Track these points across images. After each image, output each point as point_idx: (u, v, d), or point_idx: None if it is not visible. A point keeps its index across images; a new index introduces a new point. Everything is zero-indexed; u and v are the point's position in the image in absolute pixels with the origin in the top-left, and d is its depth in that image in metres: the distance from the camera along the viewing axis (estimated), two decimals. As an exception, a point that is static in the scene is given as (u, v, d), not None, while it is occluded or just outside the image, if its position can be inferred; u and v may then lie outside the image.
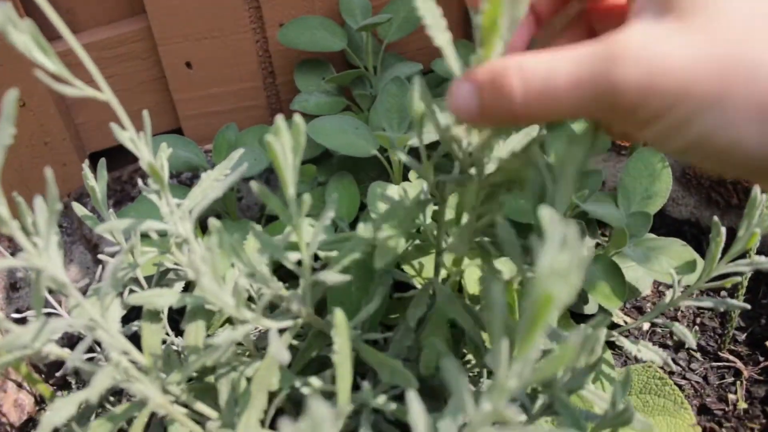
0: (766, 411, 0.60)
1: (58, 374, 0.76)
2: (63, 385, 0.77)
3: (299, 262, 0.41)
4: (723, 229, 0.48)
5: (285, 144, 0.35)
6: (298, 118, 0.35)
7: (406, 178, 0.61)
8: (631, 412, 0.40)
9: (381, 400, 0.41)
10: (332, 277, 0.39)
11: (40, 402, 0.74)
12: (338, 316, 0.39)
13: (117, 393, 0.65)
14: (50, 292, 0.71)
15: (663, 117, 0.29)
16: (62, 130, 0.79)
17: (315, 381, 0.42)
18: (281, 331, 0.43)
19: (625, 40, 0.29)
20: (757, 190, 0.47)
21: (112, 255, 0.53)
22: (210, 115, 0.82)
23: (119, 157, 0.84)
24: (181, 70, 0.78)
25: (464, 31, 0.83)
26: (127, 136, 0.42)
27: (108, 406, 0.61)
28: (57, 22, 0.36)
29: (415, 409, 0.32)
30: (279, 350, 0.36)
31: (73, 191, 0.83)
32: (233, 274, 0.47)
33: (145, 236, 0.60)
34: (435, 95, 0.64)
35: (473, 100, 0.32)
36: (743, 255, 0.51)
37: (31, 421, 0.72)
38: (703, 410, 0.62)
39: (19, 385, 0.73)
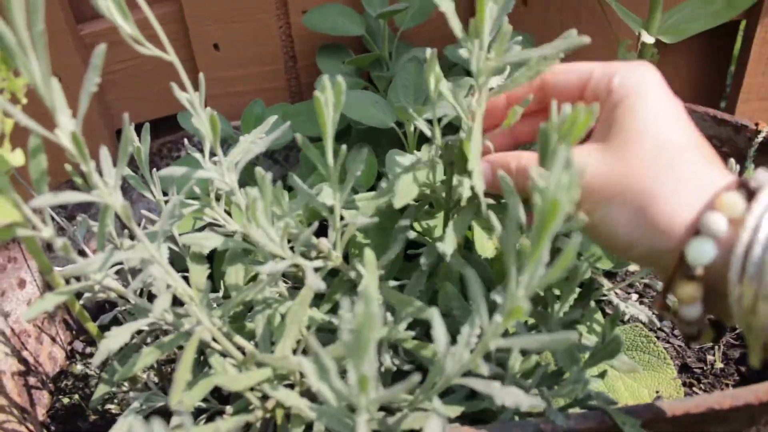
0: (740, 370, 0.67)
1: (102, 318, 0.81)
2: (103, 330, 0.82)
3: (331, 210, 0.47)
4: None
5: (328, 99, 0.41)
6: (340, 79, 0.41)
7: (419, 150, 0.67)
8: (619, 343, 0.46)
9: (401, 330, 0.47)
10: (361, 219, 0.45)
11: (71, 356, 0.79)
12: (368, 254, 0.45)
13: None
14: (81, 254, 0.77)
15: (580, 203, 0.40)
16: (93, 104, 0.85)
17: (344, 312, 0.48)
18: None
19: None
20: (732, 161, 0.53)
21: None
22: (234, 95, 0.88)
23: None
24: (210, 52, 0.84)
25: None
26: (185, 96, 0.48)
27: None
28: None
29: (437, 323, 0.38)
30: (315, 281, 0.42)
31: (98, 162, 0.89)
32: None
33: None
34: (447, 77, 0.70)
35: (489, 173, 0.47)
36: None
37: (63, 374, 0.78)
38: (683, 369, 0.68)
39: (53, 339, 0.78)
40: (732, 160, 0.53)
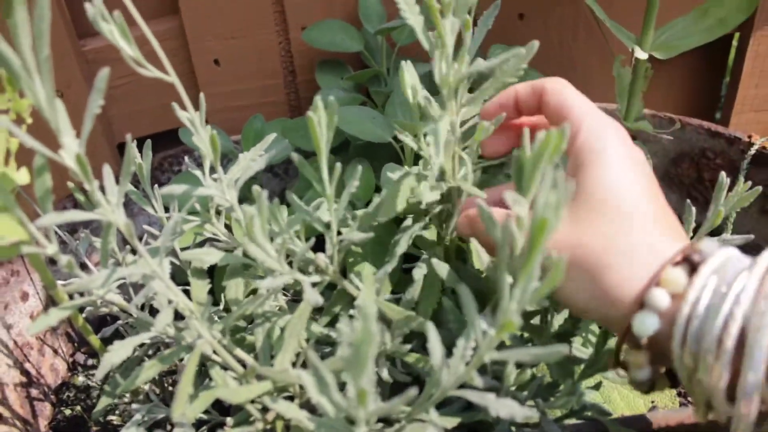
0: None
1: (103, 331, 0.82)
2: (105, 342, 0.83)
3: (327, 226, 0.48)
4: (693, 210, 0.56)
5: (321, 119, 0.42)
6: (332, 99, 0.42)
7: (416, 164, 0.68)
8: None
9: (397, 343, 0.48)
10: (357, 235, 0.46)
11: (73, 368, 0.80)
12: (366, 269, 0.46)
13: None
14: (83, 267, 0.78)
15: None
16: (95, 119, 0.86)
17: (343, 327, 0.49)
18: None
19: None
20: (723, 174, 0.54)
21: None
22: (234, 110, 0.89)
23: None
24: (210, 67, 0.86)
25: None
26: (186, 116, 0.49)
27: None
28: (134, 13, 0.43)
29: (433, 337, 0.39)
30: (313, 296, 0.43)
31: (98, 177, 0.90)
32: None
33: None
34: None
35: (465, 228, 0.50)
36: (715, 235, 0.59)
37: (65, 385, 0.78)
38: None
39: (55, 351, 0.79)
40: (723, 174, 0.54)
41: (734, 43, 0.98)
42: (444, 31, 0.42)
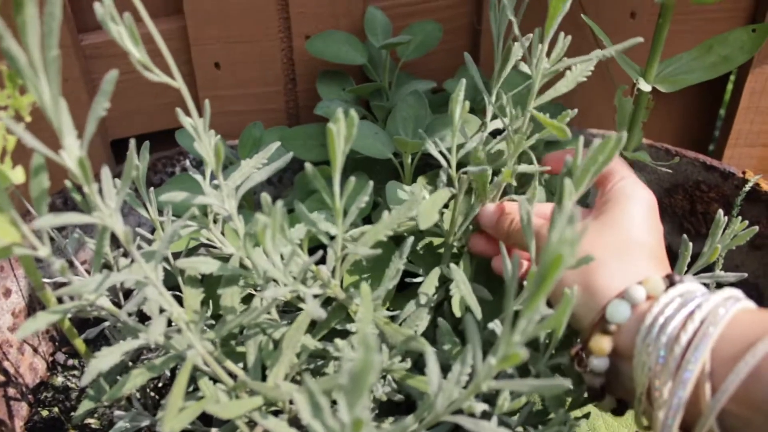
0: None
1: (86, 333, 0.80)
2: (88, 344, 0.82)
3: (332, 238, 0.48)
4: (690, 244, 0.56)
5: (340, 131, 0.41)
6: (353, 113, 0.41)
7: (414, 181, 0.68)
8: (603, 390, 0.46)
9: (396, 362, 0.48)
10: (363, 250, 0.45)
11: (52, 368, 0.79)
12: (364, 288, 0.46)
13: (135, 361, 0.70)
14: (70, 265, 0.76)
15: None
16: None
17: (340, 342, 0.49)
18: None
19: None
20: (720, 213, 0.54)
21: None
22: (232, 114, 0.88)
23: (140, 146, 0.90)
24: (210, 70, 0.85)
25: (472, 56, 0.91)
26: (189, 121, 0.48)
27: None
28: (143, 12, 0.42)
29: (431, 362, 0.39)
30: (315, 308, 0.42)
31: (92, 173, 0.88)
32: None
33: (176, 216, 0.67)
34: (444, 111, 0.71)
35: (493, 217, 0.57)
36: (708, 271, 0.59)
37: (43, 385, 0.77)
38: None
39: (35, 350, 0.78)
40: (720, 212, 0.54)
41: (732, 77, 1.00)
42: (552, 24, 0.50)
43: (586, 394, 0.49)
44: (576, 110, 0.55)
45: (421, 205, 0.49)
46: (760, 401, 0.36)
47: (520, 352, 0.31)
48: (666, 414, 0.40)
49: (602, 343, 0.44)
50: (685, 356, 0.39)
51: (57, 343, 0.81)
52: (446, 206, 0.59)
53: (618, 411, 0.47)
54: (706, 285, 0.59)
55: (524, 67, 0.56)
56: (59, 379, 0.77)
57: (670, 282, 0.44)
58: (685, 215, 0.83)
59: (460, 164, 0.56)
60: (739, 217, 0.55)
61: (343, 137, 0.41)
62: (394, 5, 0.84)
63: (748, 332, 0.38)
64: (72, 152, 0.39)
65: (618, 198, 0.51)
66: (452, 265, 0.52)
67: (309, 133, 0.76)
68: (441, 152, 0.54)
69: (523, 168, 0.57)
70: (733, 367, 0.37)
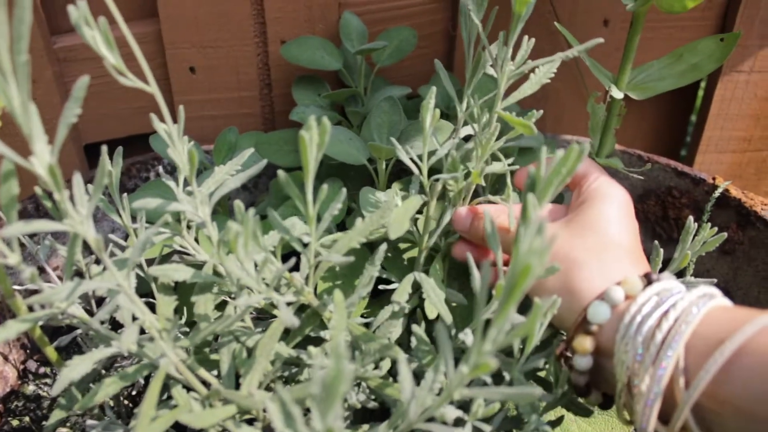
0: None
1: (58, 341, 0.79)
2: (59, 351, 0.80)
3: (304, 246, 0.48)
4: (661, 250, 0.57)
5: (312, 139, 0.41)
6: (326, 120, 0.41)
7: (389, 187, 0.68)
8: (573, 394, 0.47)
9: (369, 369, 0.48)
10: (337, 257, 0.45)
11: (23, 376, 0.77)
12: (337, 295, 0.46)
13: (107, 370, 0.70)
14: (41, 271, 0.76)
15: None
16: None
17: (313, 350, 0.49)
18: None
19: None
20: (690, 219, 0.55)
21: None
22: (206, 119, 0.88)
23: (114, 151, 0.89)
24: (185, 75, 0.84)
25: (447, 62, 0.92)
26: (163, 127, 0.48)
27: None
28: (115, 13, 0.42)
29: (404, 370, 0.39)
30: (288, 316, 0.42)
31: (65, 178, 0.87)
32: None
33: (150, 223, 0.66)
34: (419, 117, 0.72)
35: (466, 221, 0.58)
36: (679, 276, 0.60)
37: (14, 394, 0.76)
38: (636, 414, 0.70)
39: (5, 358, 0.77)
40: (690, 218, 0.55)
41: (702, 84, 1.01)
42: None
43: (563, 394, 0.49)
44: (542, 111, 0.57)
45: (392, 213, 0.49)
46: (728, 397, 0.38)
47: (490, 361, 0.31)
48: (643, 408, 0.42)
49: (585, 343, 0.45)
50: (659, 354, 0.41)
51: (28, 351, 0.80)
52: (420, 212, 0.60)
53: (604, 405, 0.49)
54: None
55: (491, 71, 0.57)
56: (30, 388, 0.76)
57: (648, 281, 0.45)
58: (658, 221, 0.84)
59: (433, 170, 0.56)
60: (709, 224, 0.56)
61: (316, 145, 0.41)
62: (369, 11, 0.84)
63: (719, 330, 0.40)
64: (42, 159, 0.39)
65: (594, 198, 0.53)
66: (422, 275, 0.52)
67: (284, 138, 0.76)
68: (412, 159, 0.55)
69: (492, 168, 0.58)
70: (704, 364, 0.39)
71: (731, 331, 0.39)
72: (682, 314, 0.42)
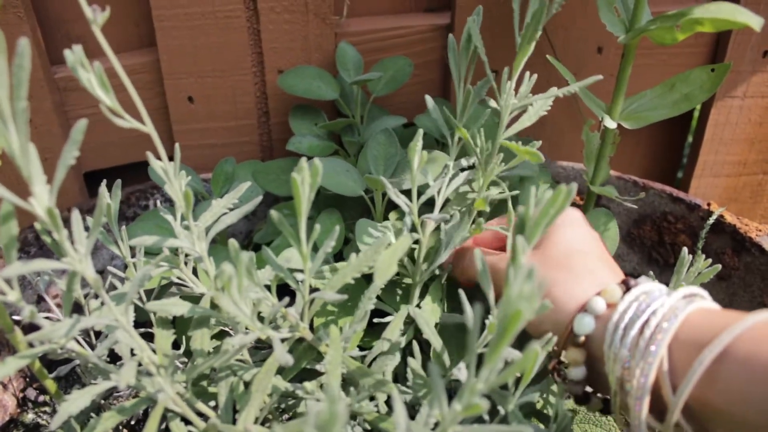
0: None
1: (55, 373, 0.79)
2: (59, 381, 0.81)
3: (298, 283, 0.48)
4: (652, 275, 0.57)
5: (305, 179, 0.42)
6: (317, 162, 0.42)
7: (386, 218, 0.68)
8: (570, 418, 0.47)
9: (364, 404, 0.48)
10: (331, 296, 0.46)
11: (23, 404, 0.78)
12: (333, 331, 0.46)
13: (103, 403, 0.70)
14: (39, 301, 0.76)
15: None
16: (62, 148, 0.84)
17: (309, 385, 0.49)
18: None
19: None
20: (685, 251, 0.56)
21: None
22: (205, 147, 0.89)
23: (113, 178, 0.90)
24: (184, 104, 0.85)
25: (443, 90, 0.93)
26: (160, 165, 0.48)
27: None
28: (105, 47, 0.42)
29: (399, 407, 0.39)
30: (283, 354, 0.43)
31: (65, 207, 0.88)
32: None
33: (148, 253, 0.67)
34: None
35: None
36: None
37: (13, 423, 0.76)
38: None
39: (4, 387, 0.77)
40: (684, 249, 0.56)
41: (698, 107, 1.02)
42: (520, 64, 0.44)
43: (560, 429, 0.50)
44: (540, 142, 0.58)
45: (380, 257, 0.49)
46: (713, 401, 0.40)
47: (480, 403, 0.32)
48: (634, 413, 0.43)
49: (575, 355, 0.47)
50: (643, 362, 0.42)
51: (28, 379, 0.80)
52: (416, 242, 0.60)
53: (605, 410, 0.50)
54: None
55: (493, 103, 0.58)
56: (29, 416, 0.76)
57: (627, 287, 0.47)
58: (654, 246, 0.85)
59: (429, 202, 0.57)
60: (703, 255, 0.56)
61: (308, 185, 0.41)
62: (365, 40, 0.85)
63: (699, 336, 0.41)
64: (41, 201, 0.39)
65: (558, 227, 0.55)
66: (415, 310, 0.53)
67: (281, 167, 0.76)
68: (404, 194, 0.56)
69: (495, 194, 0.59)
70: (686, 372, 0.40)
71: (710, 337, 0.40)
72: (662, 320, 0.43)
